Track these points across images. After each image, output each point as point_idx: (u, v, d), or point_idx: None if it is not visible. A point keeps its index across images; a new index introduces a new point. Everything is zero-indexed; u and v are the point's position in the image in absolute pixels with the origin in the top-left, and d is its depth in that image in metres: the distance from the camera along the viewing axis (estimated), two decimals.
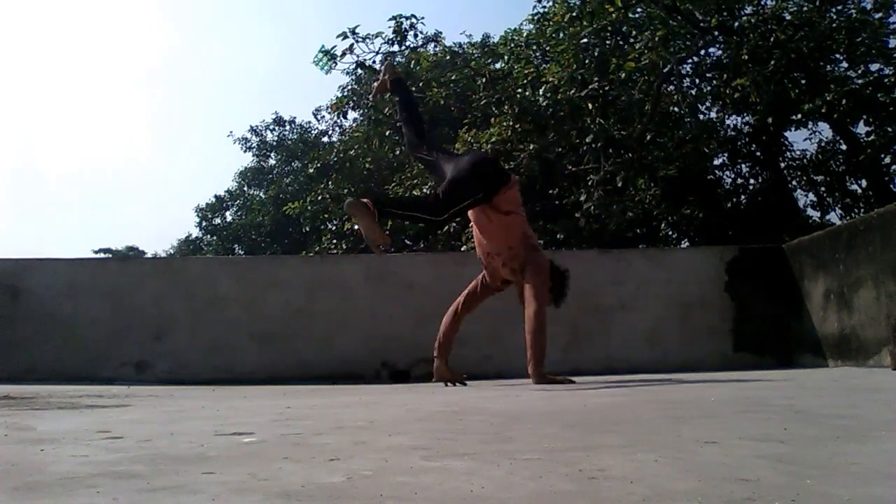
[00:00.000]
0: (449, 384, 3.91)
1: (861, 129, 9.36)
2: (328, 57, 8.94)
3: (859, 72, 8.61)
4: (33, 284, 5.13)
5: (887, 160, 9.59)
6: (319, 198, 13.88)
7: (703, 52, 9.55)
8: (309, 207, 13.97)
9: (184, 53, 64.97)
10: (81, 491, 1.15)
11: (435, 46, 11.59)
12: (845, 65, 8.88)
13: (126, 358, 5.03)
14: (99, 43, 70.09)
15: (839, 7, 8.58)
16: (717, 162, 11.42)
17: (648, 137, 8.68)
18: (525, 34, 10.25)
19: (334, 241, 12.48)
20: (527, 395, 3.04)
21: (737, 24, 8.88)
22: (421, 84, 10.22)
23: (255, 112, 69.66)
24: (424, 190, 9.62)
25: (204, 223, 24.56)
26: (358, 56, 9.28)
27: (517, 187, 3.97)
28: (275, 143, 23.93)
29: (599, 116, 8.46)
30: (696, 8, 8.44)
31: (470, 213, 3.99)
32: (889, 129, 8.79)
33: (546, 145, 8.92)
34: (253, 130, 23.96)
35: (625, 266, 5.35)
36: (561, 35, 8.98)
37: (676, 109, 9.84)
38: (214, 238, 24.18)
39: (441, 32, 13.04)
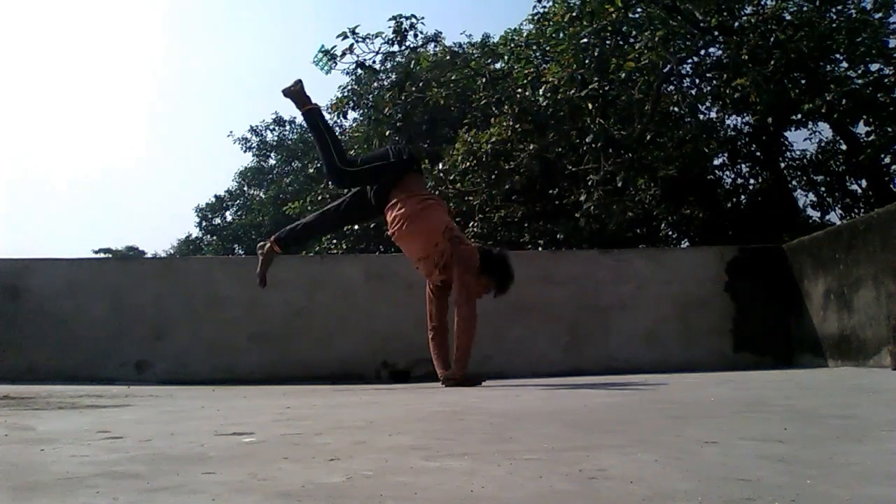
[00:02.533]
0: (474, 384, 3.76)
1: (861, 129, 9.37)
2: (328, 57, 8.92)
3: (859, 72, 8.60)
4: (33, 284, 5.13)
5: (887, 160, 9.60)
6: (319, 198, 13.87)
7: (703, 52, 9.56)
8: (309, 207, 13.97)
9: (184, 53, 64.94)
10: (81, 491, 1.15)
11: (435, 46, 11.59)
12: (845, 65, 8.88)
13: (126, 358, 5.03)
14: (99, 43, 70.10)
15: (839, 7, 8.57)
16: (717, 162, 11.44)
17: (648, 137, 8.68)
18: (525, 34, 10.25)
19: (334, 241, 12.48)
20: (527, 395, 3.04)
21: (737, 24, 8.88)
22: (421, 84, 10.22)
23: (255, 112, 69.62)
24: None
25: (204, 223, 24.57)
26: (358, 56, 9.28)
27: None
28: (275, 143, 23.93)
29: (599, 116, 8.47)
30: (696, 8, 8.44)
31: (390, 221, 3.90)
32: (889, 129, 8.78)
33: (546, 145, 8.92)
34: (253, 130, 23.99)
35: (625, 266, 5.35)
36: (561, 35, 8.98)
37: (676, 109, 9.85)
38: (214, 238, 24.19)
39: (441, 32, 13.03)
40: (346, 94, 13.77)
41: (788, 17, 8.56)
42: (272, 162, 24.36)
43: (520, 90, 8.84)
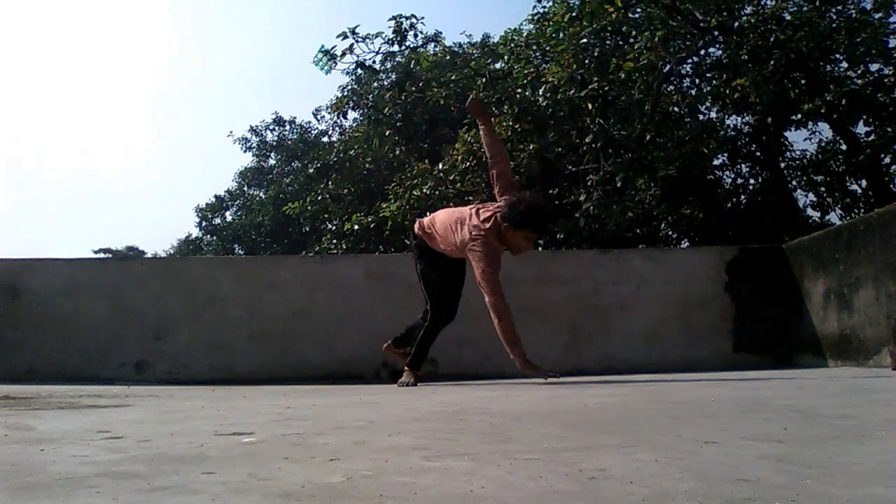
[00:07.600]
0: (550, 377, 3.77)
1: (861, 129, 9.38)
2: (328, 57, 8.92)
3: (859, 72, 8.61)
4: (33, 284, 5.12)
5: (887, 160, 9.60)
6: (319, 198, 13.89)
7: (703, 52, 9.55)
8: (309, 207, 13.99)
9: (184, 54, 64.94)
10: (81, 491, 1.15)
11: (435, 46, 11.60)
12: (845, 65, 8.89)
13: (126, 358, 5.03)
14: (101, 43, 70.09)
15: (839, 7, 8.58)
16: (717, 162, 11.44)
17: (648, 137, 8.68)
18: (525, 34, 10.24)
19: (334, 241, 12.49)
20: (527, 395, 3.04)
21: (737, 24, 8.88)
22: (421, 84, 10.21)
23: (255, 112, 69.72)
24: (424, 190, 9.61)
25: (204, 223, 24.55)
26: (358, 56, 9.25)
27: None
28: (275, 143, 23.91)
29: (599, 116, 8.46)
30: (696, 8, 8.44)
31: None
32: (889, 129, 8.79)
33: (546, 145, 8.92)
34: (253, 130, 23.95)
35: (625, 266, 5.35)
36: (561, 35, 8.98)
37: (676, 109, 9.85)
38: (214, 238, 24.18)
39: (441, 32, 13.06)
40: (346, 94, 13.78)
41: (788, 17, 8.56)
42: (272, 162, 24.34)
43: (520, 90, 8.83)
